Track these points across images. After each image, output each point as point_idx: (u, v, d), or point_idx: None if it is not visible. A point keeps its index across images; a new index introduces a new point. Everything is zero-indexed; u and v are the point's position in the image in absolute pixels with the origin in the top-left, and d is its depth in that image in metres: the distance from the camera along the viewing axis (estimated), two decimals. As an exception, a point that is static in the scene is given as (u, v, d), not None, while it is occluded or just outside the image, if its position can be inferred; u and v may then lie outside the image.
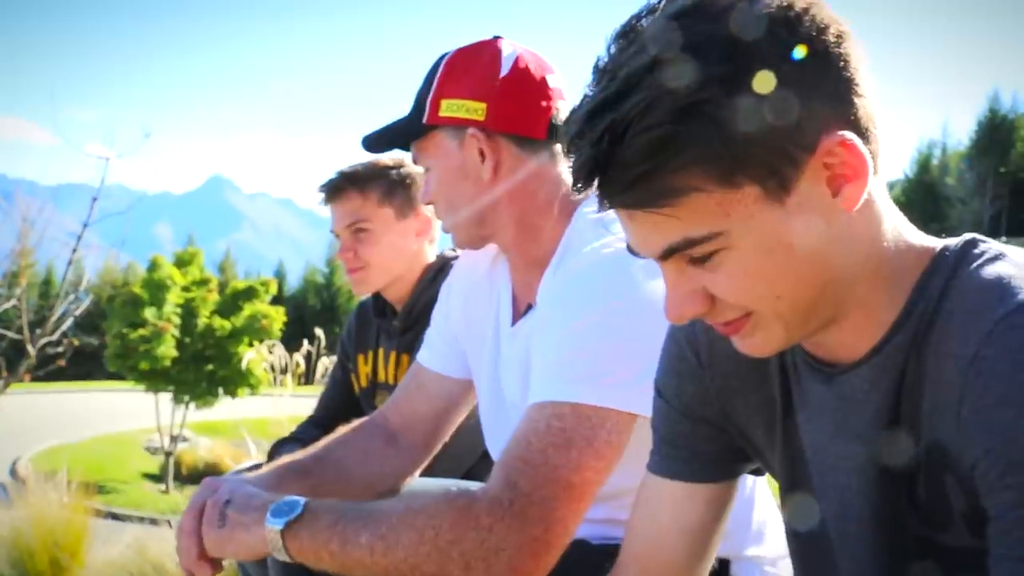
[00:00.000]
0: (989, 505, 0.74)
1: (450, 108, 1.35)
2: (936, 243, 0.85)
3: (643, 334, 1.16)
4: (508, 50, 1.38)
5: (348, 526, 1.10)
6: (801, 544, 1.00)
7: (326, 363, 8.00)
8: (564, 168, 1.39)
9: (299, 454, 1.49)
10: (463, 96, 1.35)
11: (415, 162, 1.45)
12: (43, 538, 3.95)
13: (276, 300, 12.49)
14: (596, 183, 0.78)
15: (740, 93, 0.73)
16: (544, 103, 1.36)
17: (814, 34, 0.76)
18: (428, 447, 1.59)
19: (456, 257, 2.09)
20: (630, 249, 0.84)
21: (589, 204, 1.36)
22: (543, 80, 1.37)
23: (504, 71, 1.36)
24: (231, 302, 11.63)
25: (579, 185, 0.79)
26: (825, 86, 0.77)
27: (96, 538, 4.23)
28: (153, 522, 5.23)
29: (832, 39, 0.77)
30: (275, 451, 2.09)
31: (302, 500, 1.14)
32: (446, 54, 1.39)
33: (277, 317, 11.51)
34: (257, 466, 1.96)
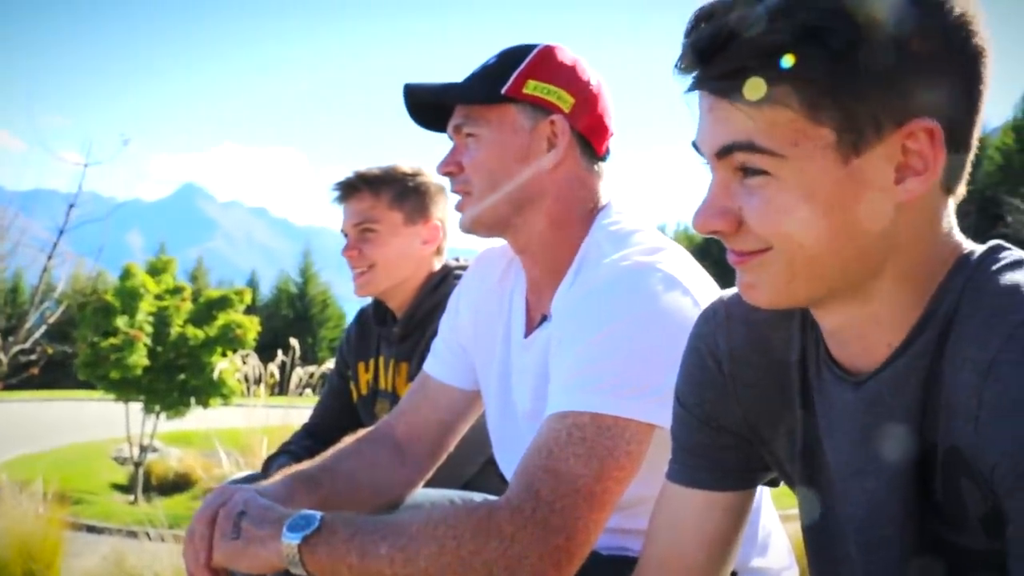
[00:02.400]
0: (1008, 508, 0.74)
1: (539, 89, 1.36)
2: (967, 246, 0.86)
3: (662, 346, 1.17)
4: (593, 69, 1.42)
5: (367, 539, 1.09)
6: (820, 549, 1.00)
7: (300, 374, 7.96)
8: (602, 184, 1.42)
9: (307, 464, 1.47)
10: (557, 83, 1.37)
11: (460, 127, 1.39)
12: (17, 549, 3.88)
13: (249, 310, 12.38)
14: (699, 64, 0.80)
15: (863, 36, 0.75)
16: (611, 127, 1.41)
17: (958, 28, 0.78)
18: (434, 456, 1.58)
19: (460, 267, 2.09)
20: (695, 146, 0.86)
21: (607, 216, 1.38)
22: (612, 107, 1.43)
23: (594, 81, 1.40)
24: (205, 311, 11.50)
25: (683, 64, 0.81)
26: (942, 78, 0.78)
27: (69, 550, 4.16)
28: (131, 534, 5.15)
29: (973, 48, 0.79)
30: (268, 466, 2.08)
31: (318, 514, 1.13)
32: (535, 44, 1.40)
33: (251, 327, 11.39)
34: (252, 476, 1.95)
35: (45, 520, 4.07)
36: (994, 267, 0.82)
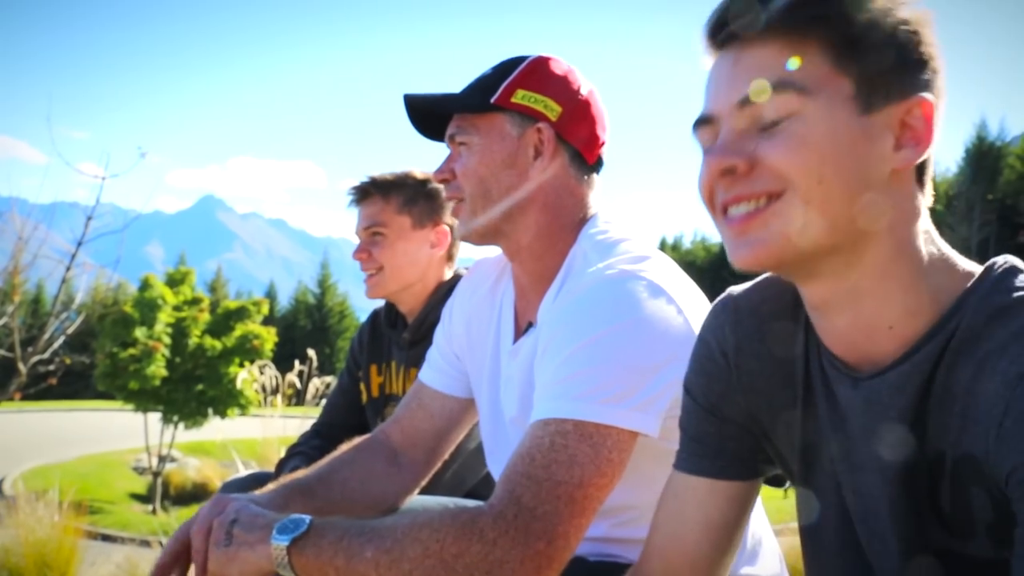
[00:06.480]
0: (1019, 510, 0.77)
1: (526, 98, 1.39)
2: (976, 265, 0.89)
3: (646, 354, 1.19)
4: (586, 79, 1.45)
5: (353, 541, 1.11)
6: (816, 548, 1.03)
7: (317, 384, 8.00)
8: (592, 195, 1.44)
9: (302, 473, 1.50)
10: (544, 93, 1.40)
11: (453, 136, 1.44)
12: (32, 558, 3.93)
13: (267, 320, 12.45)
14: (743, 11, 0.86)
15: (892, 6, 0.84)
16: (603, 136, 1.44)
17: (935, 46, 0.88)
18: (429, 464, 1.61)
19: None
20: (702, 119, 0.90)
21: (594, 225, 1.40)
22: (604, 117, 1.45)
23: (584, 91, 1.43)
24: (222, 322, 11.59)
25: (731, 11, 0.87)
26: (936, 74, 0.88)
27: (84, 558, 4.21)
28: (144, 543, 5.19)
29: (939, 66, 0.89)
30: (281, 467, 2.12)
31: (307, 518, 1.15)
32: (529, 55, 1.44)
33: (268, 337, 11.47)
34: (253, 476, 1.98)
35: (60, 528, 4.12)
36: (1019, 288, 0.84)
